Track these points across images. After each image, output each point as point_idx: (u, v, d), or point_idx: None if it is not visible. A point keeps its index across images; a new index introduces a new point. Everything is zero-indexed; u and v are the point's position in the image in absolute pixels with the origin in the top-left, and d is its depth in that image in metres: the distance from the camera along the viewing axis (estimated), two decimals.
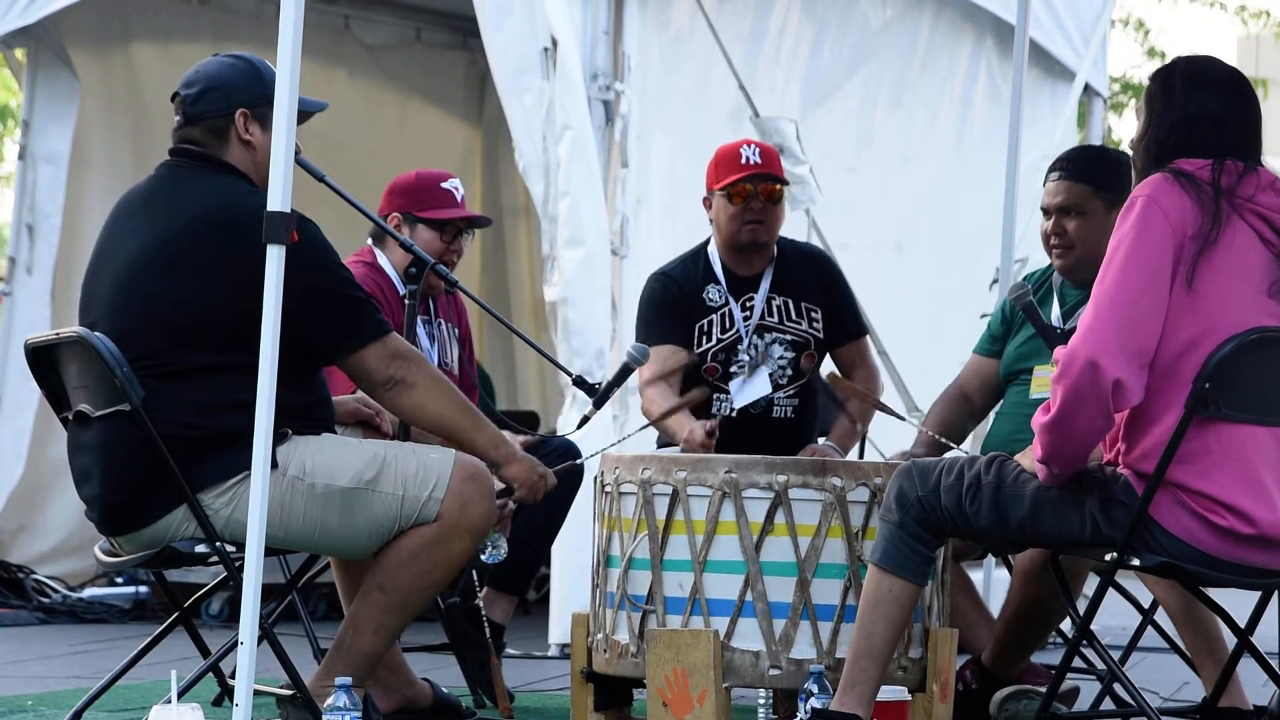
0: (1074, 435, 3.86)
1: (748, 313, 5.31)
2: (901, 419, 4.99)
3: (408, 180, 5.29)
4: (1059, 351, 3.87)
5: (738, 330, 5.30)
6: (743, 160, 5.28)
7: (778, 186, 5.31)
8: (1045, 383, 4.87)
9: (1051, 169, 4.95)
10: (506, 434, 4.51)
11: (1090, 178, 4.85)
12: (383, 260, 5.25)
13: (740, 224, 5.27)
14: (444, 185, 5.27)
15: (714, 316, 5.28)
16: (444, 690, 4.85)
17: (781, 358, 5.31)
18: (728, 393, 5.27)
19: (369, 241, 5.31)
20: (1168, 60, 4.16)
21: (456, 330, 5.38)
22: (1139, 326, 3.83)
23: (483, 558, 4.77)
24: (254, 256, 4.00)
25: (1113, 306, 3.82)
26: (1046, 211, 4.92)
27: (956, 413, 5.08)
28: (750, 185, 5.26)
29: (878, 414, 5.60)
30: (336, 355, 4.15)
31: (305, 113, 4.17)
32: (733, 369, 5.27)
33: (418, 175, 5.31)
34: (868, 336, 5.49)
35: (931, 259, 7.89)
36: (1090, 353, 3.79)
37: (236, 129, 4.21)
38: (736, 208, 5.27)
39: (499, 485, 4.88)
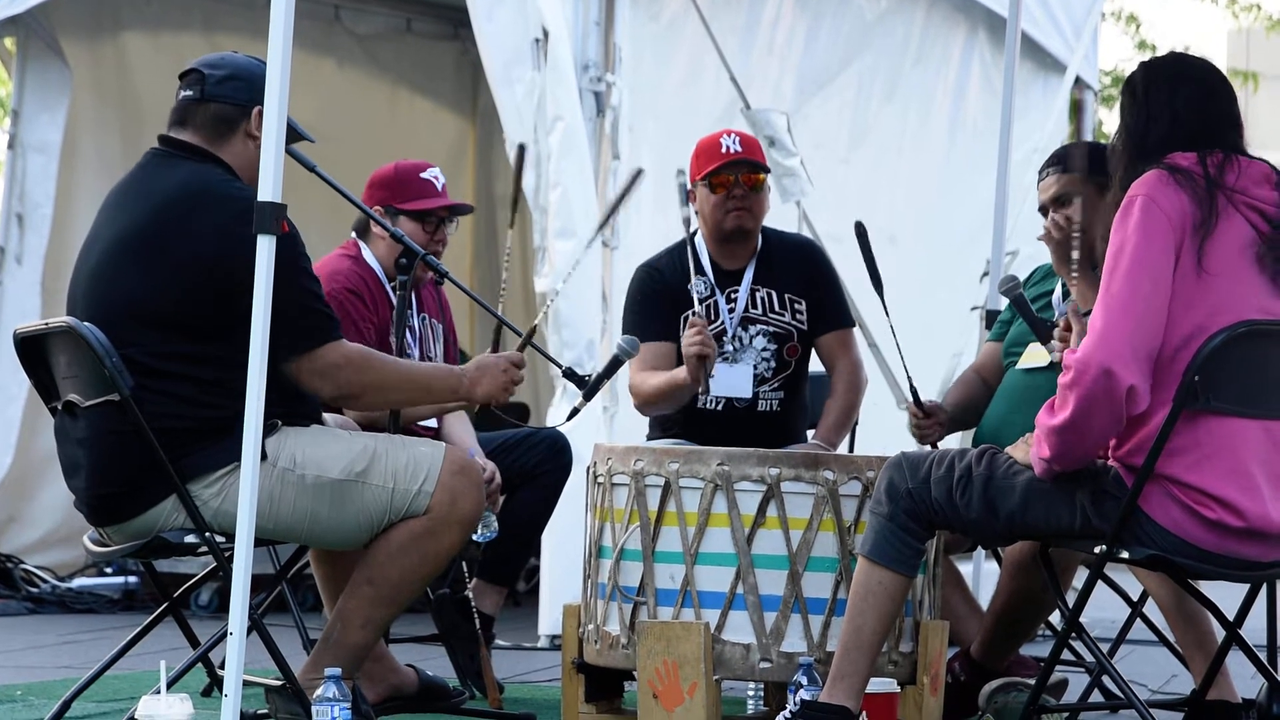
0: (1086, 440, 3.87)
1: (732, 304, 5.31)
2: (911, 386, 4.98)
3: (386, 173, 5.25)
4: (1069, 356, 3.87)
5: (723, 322, 5.29)
6: (723, 149, 5.27)
7: (760, 175, 5.31)
8: (1035, 355, 4.90)
9: (1041, 170, 5.02)
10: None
11: (1077, 166, 4.91)
12: (367, 253, 5.23)
13: (724, 212, 5.27)
14: (423, 175, 5.23)
15: (699, 307, 5.27)
16: (429, 674, 4.85)
17: (765, 349, 5.31)
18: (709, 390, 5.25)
19: (353, 234, 5.29)
20: (1155, 55, 4.18)
21: (441, 326, 5.36)
22: (1150, 330, 3.84)
23: (474, 537, 4.77)
24: (214, 241, 4.00)
25: (1125, 311, 3.82)
26: (1043, 210, 4.98)
27: (973, 393, 5.12)
28: (731, 174, 5.26)
29: (864, 409, 5.59)
30: (271, 361, 3.96)
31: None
32: (717, 361, 5.25)
33: (396, 167, 5.27)
34: (854, 329, 5.46)
35: (924, 251, 7.89)
36: (1105, 360, 3.80)
37: (249, 123, 4.20)
38: (719, 196, 5.27)
39: (490, 473, 4.88)
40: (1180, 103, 4.00)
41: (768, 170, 5.36)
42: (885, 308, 4.92)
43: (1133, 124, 4.03)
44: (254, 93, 4.18)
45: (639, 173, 4.67)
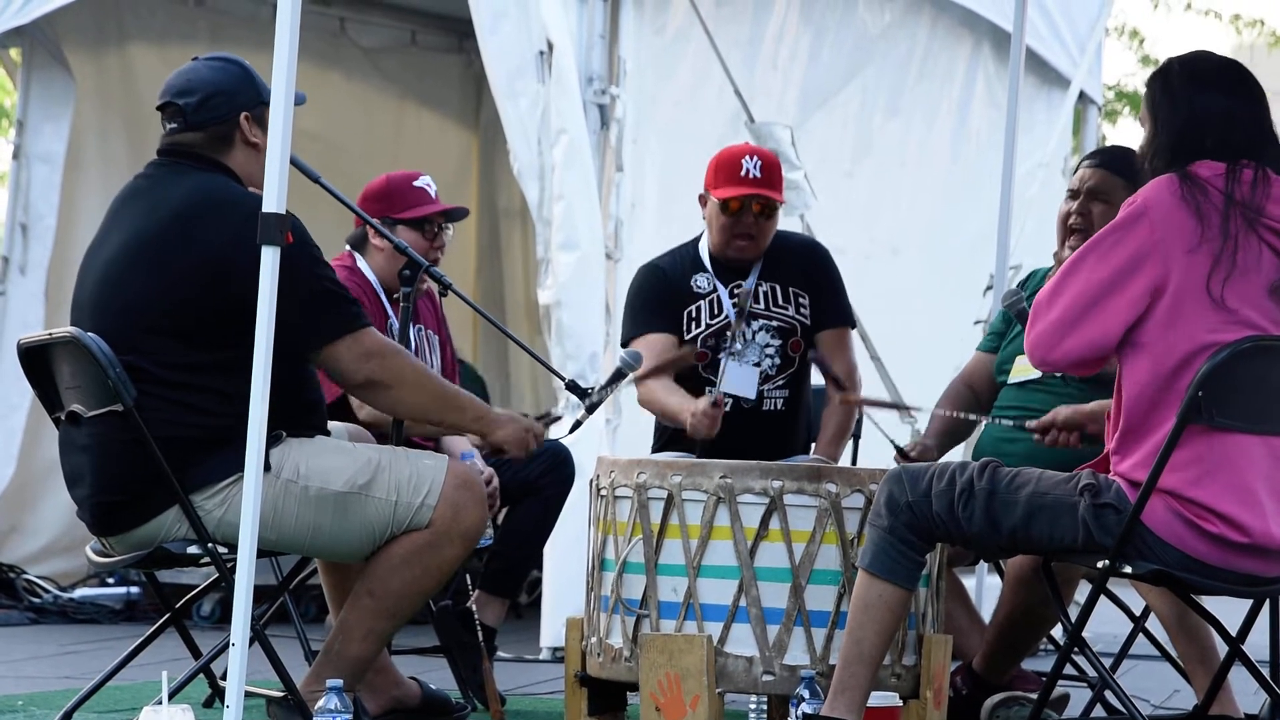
0: None
1: (736, 298, 5.30)
2: (900, 407, 4.99)
3: (378, 185, 5.27)
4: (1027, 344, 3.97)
5: (726, 316, 5.27)
6: (742, 172, 5.22)
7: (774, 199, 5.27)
8: (1024, 369, 4.90)
9: (1088, 157, 5.01)
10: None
11: (1125, 173, 4.88)
12: (362, 265, 5.24)
13: (730, 236, 5.25)
14: (416, 184, 5.25)
15: (702, 303, 5.26)
16: (432, 687, 4.85)
17: (768, 345, 5.29)
18: (715, 383, 5.24)
19: (347, 247, 5.30)
20: (1161, 63, 4.12)
21: (437, 337, 5.36)
22: (1091, 328, 3.89)
23: None
24: (223, 249, 4.01)
25: (1068, 309, 3.90)
26: (1075, 194, 4.93)
27: (963, 405, 5.10)
28: (744, 201, 5.23)
29: (867, 422, 5.59)
30: (306, 349, 4.07)
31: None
32: (721, 356, 5.25)
33: (387, 179, 5.29)
34: (852, 330, 5.45)
35: (927, 264, 7.90)
36: (1045, 355, 3.94)
37: (243, 133, 4.21)
38: (728, 219, 5.25)
39: (488, 476, 4.88)
40: (1228, 107, 3.93)
41: (782, 201, 5.31)
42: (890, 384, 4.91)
43: (1173, 129, 3.95)
44: (234, 102, 4.20)
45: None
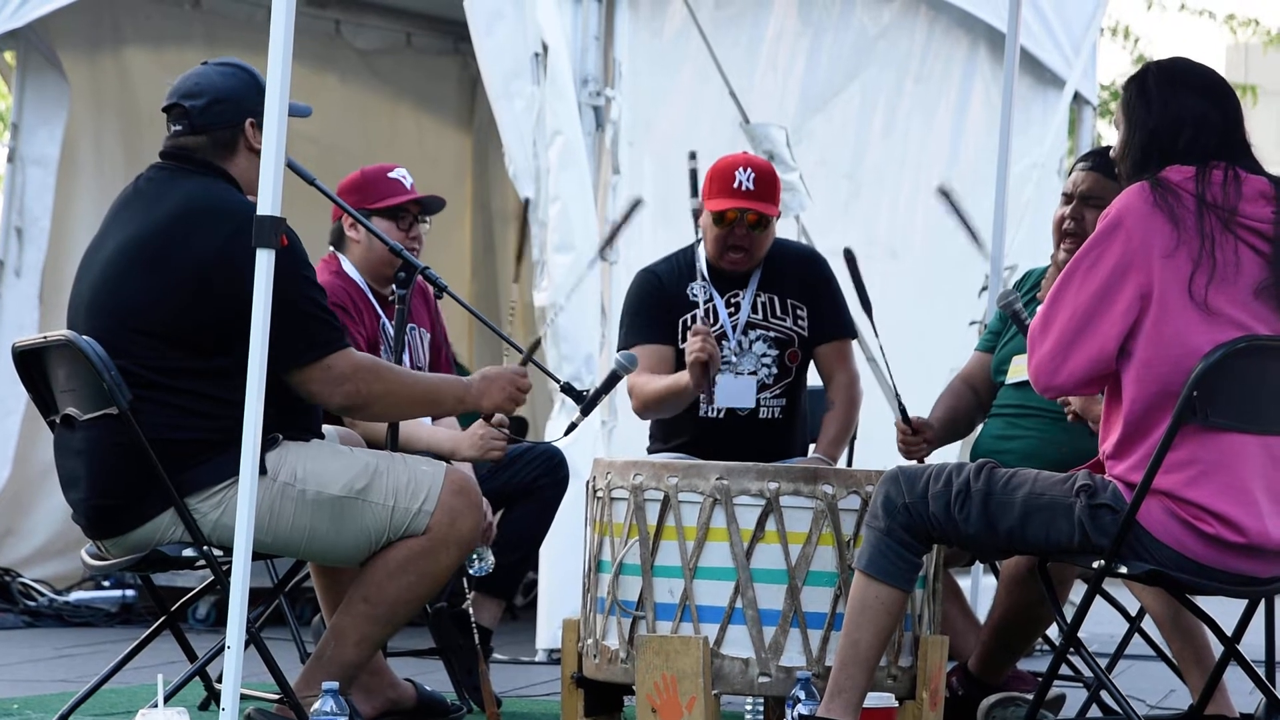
0: None
1: (732, 309, 5.29)
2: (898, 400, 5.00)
3: (353, 179, 5.27)
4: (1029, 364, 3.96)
5: (722, 326, 5.27)
6: (735, 184, 5.20)
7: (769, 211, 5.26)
8: (1021, 369, 4.90)
9: (1081, 160, 4.99)
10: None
11: (1114, 174, 4.85)
12: (347, 265, 5.23)
13: (723, 248, 5.25)
14: (390, 175, 5.24)
15: (697, 312, 5.26)
16: (427, 689, 4.85)
17: (765, 355, 5.29)
18: (709, 395, 5.23)
19: (330, 249, 5.30)
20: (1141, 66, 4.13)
21: (429, 335, 5.35)
22: (1085, 349, 3.90)
23: (470, 571, 4.78)
24: (220, 255, 4.00)
25: (1062, 332, 3.91)
26: (1069, 198, 4.92)
27: (961, 403, 5.10)
28: (737, 213, 5.22)
29: (864, 423, 5.59)
30: (278, 367, 3.97)
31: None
32: (721, 372, 5.24)
33: (362, 171, 5.28)
34: (853, 341, 5.45)
35: (924, 265, 7.90)
36: (1044, 384, 3.95)
37: (246, 139, 4.21)
38: (721, 231, 5.24)
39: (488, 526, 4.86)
40: (1203, 110, 3.95)
41: (776, 214, 5.30)
42: (875, 329, 4.91)
43: (1147, 130, 3.97)
44: (241, 108, 4.20)
45: (638, 202, 4.64)
